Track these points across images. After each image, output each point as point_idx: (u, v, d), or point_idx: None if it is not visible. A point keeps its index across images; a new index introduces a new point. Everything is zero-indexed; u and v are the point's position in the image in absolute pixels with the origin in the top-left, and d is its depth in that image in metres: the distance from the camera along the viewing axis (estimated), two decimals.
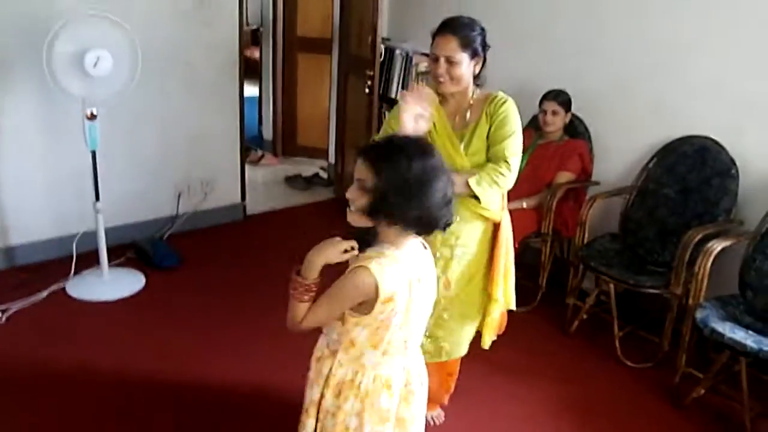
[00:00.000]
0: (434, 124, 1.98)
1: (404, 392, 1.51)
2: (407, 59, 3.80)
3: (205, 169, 3.75)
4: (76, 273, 3.06)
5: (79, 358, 2.49)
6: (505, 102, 2.01)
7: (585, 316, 2.86)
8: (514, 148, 1.96)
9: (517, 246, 2.93)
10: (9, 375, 2.38)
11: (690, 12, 2.72)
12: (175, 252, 3.32)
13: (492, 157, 1.97)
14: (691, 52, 2.73)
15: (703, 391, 2.39)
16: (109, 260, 3.09)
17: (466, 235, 2.01)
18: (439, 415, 2.31)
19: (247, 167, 4.03)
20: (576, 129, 3.11)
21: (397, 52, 3.88)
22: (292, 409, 2.15)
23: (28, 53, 2.88)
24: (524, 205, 2.99)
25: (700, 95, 2.72)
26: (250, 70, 4.62)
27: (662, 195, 2.79)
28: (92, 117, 2.82)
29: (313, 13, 5.01)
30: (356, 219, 1.39)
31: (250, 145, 5.07)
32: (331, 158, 4.70)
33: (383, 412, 1.46)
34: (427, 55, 3.66)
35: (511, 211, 2.93)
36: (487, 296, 2.10)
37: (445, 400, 2.32)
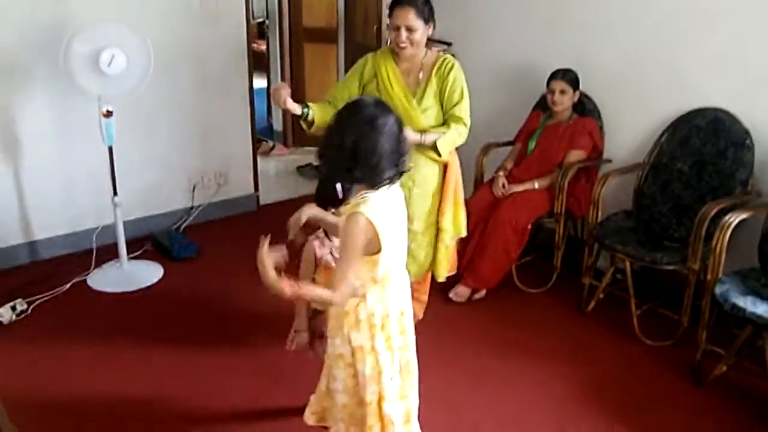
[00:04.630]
0: (390, 83, 2.29)
1: (402, 318, 1.66)
2: None
3: (218, 161, 3.78)
4: (96, 266, 3.13)
5: (101, 348, 2.54)
6: (452, 66, 2.31)
7: (602, 295, 2.85)
8: (466, 109, 2.33)
9: (530, 227, 2.94)
10: (34, 366, 2.43)
11: None
12: (192, 243, 3.37)
13: (450, 118, 2.32)
14: (700, 23, 2.70)
15: (725, 368, 2.36)
16: (128, 253, 3.15)
17: (421, 177, 2.37)
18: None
19: (258, 158, 4.07)
20: (585, 107, 3.08)
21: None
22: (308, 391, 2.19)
23: (44, 56, 2.95)
24: (536, 185, 2.99)
25: (710, 67, 2.69)
26: (257, 62, 4.64)
27: (676, 170, 2.77)
28: (108, 114, 2.87)
29: (317, 4, 5.01)
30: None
31: (261, 137, 5.10)
32: None
33: (394, 338, 1.63)
34: (432, 39, 3.69)
35: (522, 192, 2.99)
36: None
37: (420, 313, 2.65)
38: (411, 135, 2.16)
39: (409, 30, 2.20)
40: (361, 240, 1.45)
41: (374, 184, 1.48)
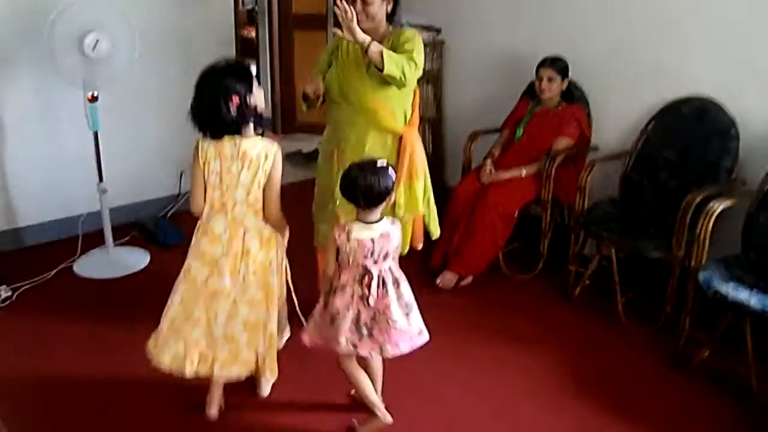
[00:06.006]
0: (348, 52, 2.34)
1: (226, 246, 1.92)
2: None
3: None
4: (82, 252, 3.11)
5: (87, 334, 2.53)
6: (408, 33, 2.33)
7: (587, 282, 2.87)
8: (415, 55, 2.25)
9: (517, 214, 2.94)
10: (18, 353, 2.42)
11: None
12: (179, 230, 3.35)
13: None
14: (688, 13, 2.70)
15: (707, 354, 2.39)
16: (114, 239, 3.14)
17: (372, 145, 2.35)
18: None
19: None
20: (573, 95, 3.08)
21: (396, 15, 3.85)
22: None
23: (27, 40, 2.91)
24: (523, 173, 2.99)
25: (697, 55, 2.70)
26: (247, 49, 4.61)
27: (662, 158, 2.78)
28: (93, 99, 2.85)
29: None
30: None
31: None
32: None
33: (203, 254, 1.95)
34: (421, 26, 3.69)
35: (509, 179, 3.00)
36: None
37: None
38: (359, 34, 2.13)
39: (365, 3, 2.25)
40: (193, 158, 1.90)
41: (200, 129, 1.88)
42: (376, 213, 1.87)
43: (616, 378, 2.40)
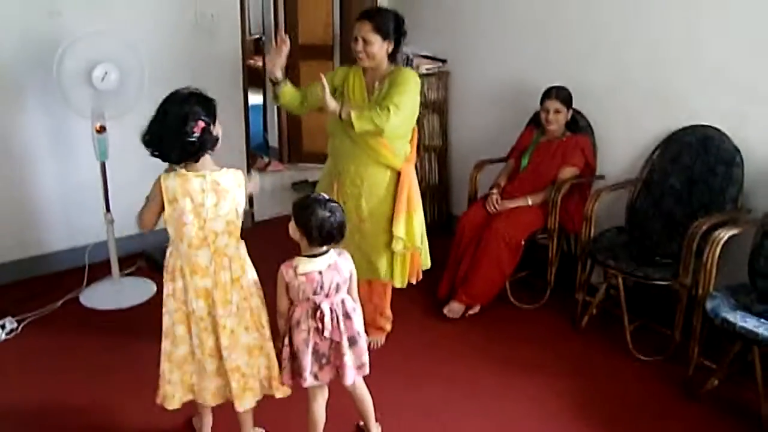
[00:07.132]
0: (353, 91, 2.42)
1: (213, 276, 1.90)
2: (408, 61, 3.82)
3: None
4: (88, 283, 3.11)
5: (93, 366, 2.53)
6: (402, 72, 2.38)
7: (595, 311, 2.86)
8: (397, 99, 2.28)
9: (523, 243, 2.95)
10: (24, 384, 2.42)
11: (690, 0, 2.73)
12: None
13: (378, 104, 2.31)
14: (692, 41, 2.74)
15: (716, 382, 2.37)
16: (121, 269, 3.14)
17: (371, 178, 2.42)
18: (377, 341, 2.69)
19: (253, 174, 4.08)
20: (578, 124, 3.11)
21: (398, 55, 3.90)
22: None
23: (37, 71, 2.96)
24: (529, 202, 3.00)
25: (701, 84, 2.73)
26: (254, 78, 4.67)
27: (667, 186, 2.80)
28: (101, 130, 2.87)
29: (313, 21, 5.06)
30: None
31: (256, 153, 5.11)
32: None
33: (199, 290, 1.90)
34: (427, 56, 3.75)
35: (516, 208, 3.01)
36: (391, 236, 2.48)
37: (387, 327, 2.72)
38: (330, 103, 2.24)
39: (365, 42, 2.32)
40: (154, 192, 1.88)
41: (164, 159, 1.87)
42: (323, 246, 1.88)
43: (624, 407, 2.37)
